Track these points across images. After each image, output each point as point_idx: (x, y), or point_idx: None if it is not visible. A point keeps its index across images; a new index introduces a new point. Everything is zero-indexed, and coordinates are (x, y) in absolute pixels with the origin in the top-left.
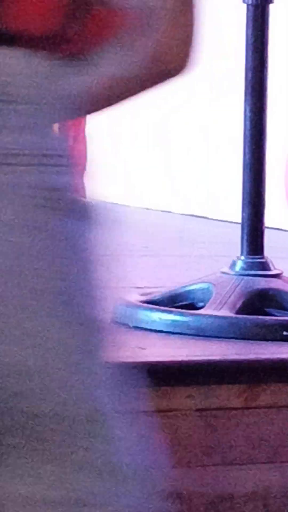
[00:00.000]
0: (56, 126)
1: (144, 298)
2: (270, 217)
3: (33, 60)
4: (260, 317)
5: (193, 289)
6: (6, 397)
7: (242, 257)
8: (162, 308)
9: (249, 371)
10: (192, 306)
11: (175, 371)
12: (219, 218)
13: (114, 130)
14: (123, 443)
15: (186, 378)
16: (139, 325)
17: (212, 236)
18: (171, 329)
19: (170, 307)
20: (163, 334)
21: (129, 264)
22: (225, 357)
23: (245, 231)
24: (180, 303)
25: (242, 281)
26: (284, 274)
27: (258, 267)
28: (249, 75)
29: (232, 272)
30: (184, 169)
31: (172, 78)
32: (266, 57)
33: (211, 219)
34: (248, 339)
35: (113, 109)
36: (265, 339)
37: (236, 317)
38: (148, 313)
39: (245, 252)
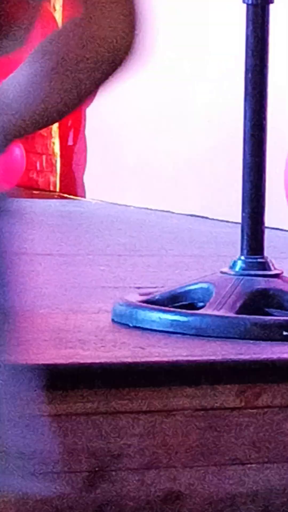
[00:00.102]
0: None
1: (144, 298)
2: (270, 217)
3: None
4: (260, 317)
5: (193, 289)
6: None
7: (242, 257)
8: (162, 308)
9: (249, 371)
10: (192, 306)
11: (175, 371)
12: (219, 218)
13: (114, 130)
14: (11, 424)
15: (186, 378)
16: (139, 325)
17: (212, 236)
18: (171, 329)
19: (170, 307)
20: (163, 334)
21: (129, 264)
22: (225, 357)
23: (245, 231)
24: (180, 303)
25: (242, 281)
26: (284, 274)
27: (258, 267)
28: (249, 75)
29: (232, 272)
30: (184, 169)
31: (121, 67)
32: (266, 57)
33: (211, 219)
34: (248, 339)
35: (113, 109)
36: (265, 339)
37: (236, 317)
38: (148, 313)
39: (245, 252)
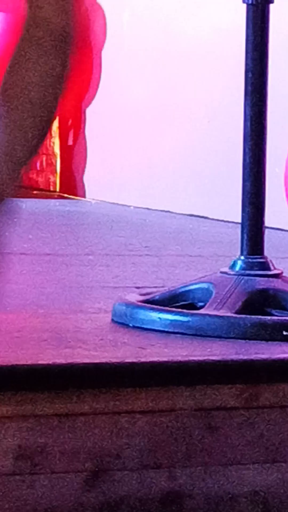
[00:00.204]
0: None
1: (144, 298)
2: (270, 217)
3: None
4: (260, 317)
5: (193, 289)
6: None
7: (242, 257)
8: (162, 308)
9: (249, 371)
10: (192, 306)
11: (175, 371)
12: (219, 218)
13: (114, 130)
14: None
15: (186, 378)
16: (139, 325)
17: (212, 236)
18: (171, 329)
19: (170, 307)
20: (163, 334)
21: (129, 264)
22: (225, 357)
23: (245, 231)
24: (180, 303)
25: (242, 281)
26: (284, 274)
27: (258, 267)
28: (249, 75)
29: (232, 272)
30: (184, 169)
31: (56, 42)
32: (266, 57)
33: (211, 219)
34: (248, 339)
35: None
36: (265, 339)
37: (236, 317)
38: (148, 313)
39: (245, 252)
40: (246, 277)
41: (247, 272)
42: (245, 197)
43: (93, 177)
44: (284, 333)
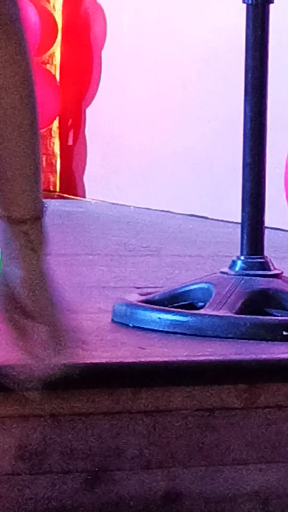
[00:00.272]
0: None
1: (144, 298)
2: (270, 217)
3: None
4: (260, 317)
5: (193, 289)
6: None
7: (242, 257)
8: (162, 308)
9: (249, 371)
10: (192, 306)
11: (175, 371)
12: (219, 218)
13: (114, 130)
14: None
15: (186, 378)
16: (139, 325)
17: (212, 236)
18: (171, 329)
19: (170, 307)
20: (163, 334)
21: (129, 264)
22: (225, 357)
23: (245, 231)
24: (180, 303)
25: (242, 281)
26: (284, 274)
27: (258, 267)
28: (249, 75)
29: (232, 272)
30: (184, 169)
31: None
32: (266, 57)
33: (211, 219)
34: (248, 339)
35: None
36: (265, 339)
37: (236, 317)
38: (148, 313)
39: (245, 252)
40: (246, 277)
41: (247, 272)
42: (245, 197)
43: (93, 177)
44: (284, 333)
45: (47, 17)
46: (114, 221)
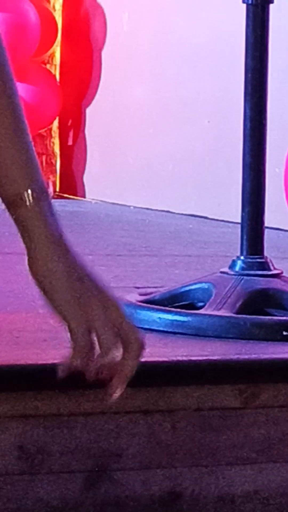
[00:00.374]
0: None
1: (144, 298)
2: (270, 217)
3: None
4: (260, 317)
5: (193, 289)
6: None
7: (242, 257)
8: (162, 308)
9: (249, 371)
10: (192, 306)
11: (175, 371)
12: (219, 218)
13: (114, 130)
14: None
15: (186, 378)
16: (139, 325)
17: (212, 236)
18: (171, 329)
19: (170, 307)
20: (163, 334)
21: (129, 264)
22: (225, 357)
23: (245, 231)
24: (180, 303)
25: (242, 281)
26: (284, 274)
27: (258, 267)
28: (249, 75)
29: (232, 272)
30: (184, 169)
31: None
32: (266, 57)
33: (211, 219)
34: (248, 339)
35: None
36: (265, 339)
37: (236, 317)
38: (148, 313)
39: (245, 252)
40: (246, 277)
41: (247, 272)
42: (245, 197)
43: (93, 177)
44: (284, 333)
45: (47, 17)
46: (114, 221)
